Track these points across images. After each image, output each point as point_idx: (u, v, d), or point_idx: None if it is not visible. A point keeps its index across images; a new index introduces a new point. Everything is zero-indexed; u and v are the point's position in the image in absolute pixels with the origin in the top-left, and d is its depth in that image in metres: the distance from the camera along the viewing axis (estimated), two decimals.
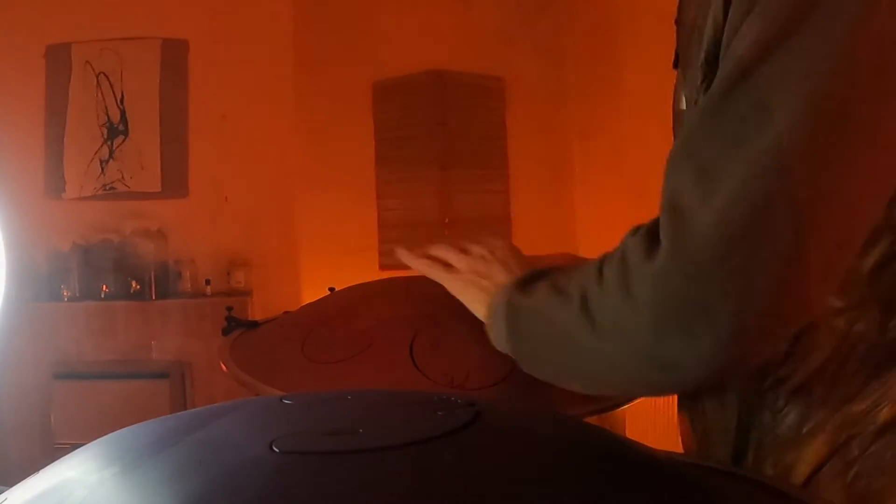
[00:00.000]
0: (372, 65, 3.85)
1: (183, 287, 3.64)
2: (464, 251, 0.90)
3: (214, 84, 3.70)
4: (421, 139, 3.91)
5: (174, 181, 3.72)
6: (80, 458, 0.49)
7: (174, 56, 3.72)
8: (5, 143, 3.44)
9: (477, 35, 3.89)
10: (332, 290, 1.12)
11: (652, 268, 0.61)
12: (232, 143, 3.69)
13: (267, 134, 3.73)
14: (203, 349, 3.39)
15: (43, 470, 0.49)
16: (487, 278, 0.84)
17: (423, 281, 0.93)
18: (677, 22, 0.78)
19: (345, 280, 1.13)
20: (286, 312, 1.11)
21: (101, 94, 3.70)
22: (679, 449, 0.83)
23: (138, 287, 3.59)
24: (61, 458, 0.50)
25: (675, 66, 0.80)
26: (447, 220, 3.86)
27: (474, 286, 0.85)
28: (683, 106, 0.73)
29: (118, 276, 3.57)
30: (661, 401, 0.89)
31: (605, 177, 3.88)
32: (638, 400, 0.83)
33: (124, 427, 0.53)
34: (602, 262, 0.68)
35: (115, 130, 3.71)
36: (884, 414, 0.66)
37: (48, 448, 3.31)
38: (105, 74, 3.70)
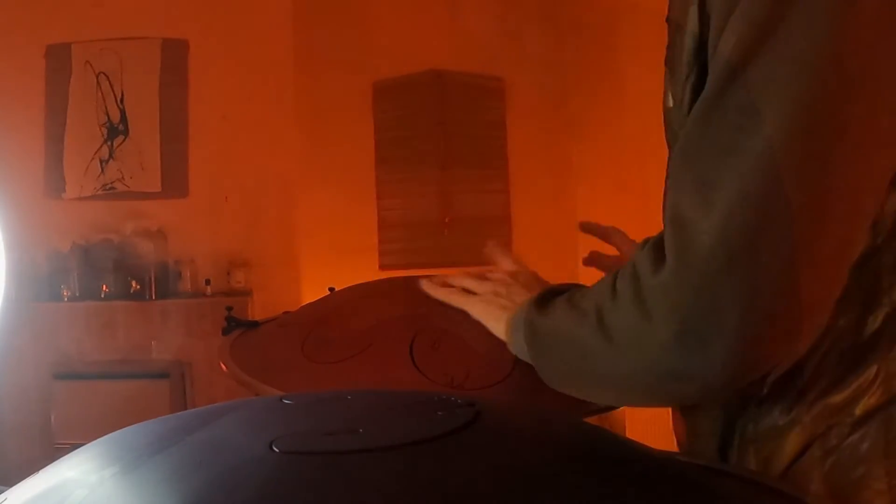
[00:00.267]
0: (372, 65, 3.85)
1: (183, 287, 3.64)
2: (485, 279, 0.92)
3: (214, 84, 3.70)
4: (421, 139, 3.91)
5: (174, 181, 3.72)
6: (80, 458, 0.49)
7: (174, 56, 3.72)
8: (5, 143, 3.44)
9: (477, 35, 3.89)
10: (332, 290, 1.12)
11: (660, 281, 0.62)
12: (232, 143, 3.69)
13: (267, 134, 3.73)
14: (203, 349, 3.39)
15: (43, 470, 0.49)
16: (507, 298, 0.86)
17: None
18: (668, 19, 0.78)
19: (345, 280, 1.13)
20: (286, 312, 1.11)
21: (101, 94, 3.70)
22: (678, 449, 0.83)
23: (138, 287, 3.59)
24: (61, 458, 0.50)
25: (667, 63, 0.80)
26: (447, 220, 3.86)
27: (494, 305, 0.87)
28: (671, 104, 0.73)
29: (118, 276, 3.57)
30: None
31: (605, 177, 3.87)
32: None
33: (124, 427, 0.53)
34: (616, 276, 0.69)
35: (115, 130, 3.71)
36: (861, 406, 0.67)
37: (48, 448, 3.31)
38: (105, 74, 3.70)
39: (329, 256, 3.66)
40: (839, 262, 0.63)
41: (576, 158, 4.12)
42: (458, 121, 3.94)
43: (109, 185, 3.70)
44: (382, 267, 3.83)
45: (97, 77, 3.70)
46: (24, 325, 3.25)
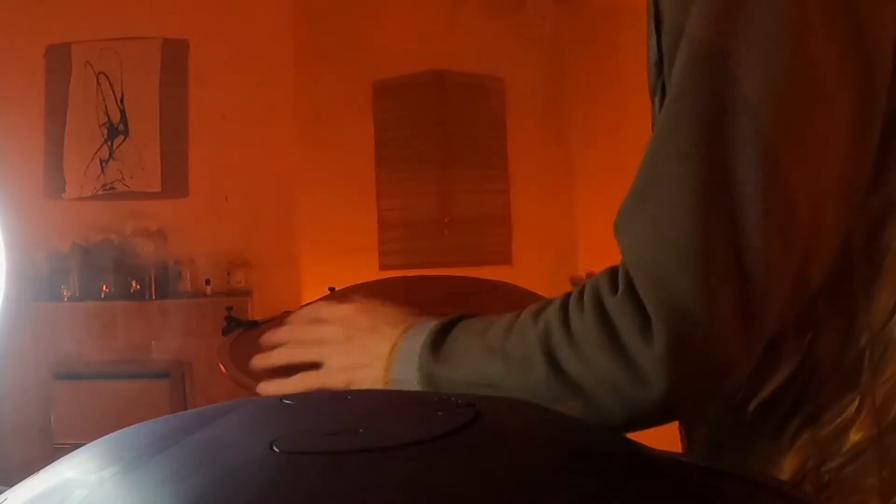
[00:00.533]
0: (372, 65, 3.85)
1: (183, 287, 3.64)
2: (321, 322, 0.82)
3: (214, 84, 3.70)
4: (421, 139, 3.91)
5: (174, 181, 3.72)
6: (80, 458, 0.49)
7: (174, 56, 3.72)
8: (5, 143, 3.44)
9: (477, 35, 3.89)
10: (332, 289, 1.12)
11: (657, 354, 0.60)
12: (232, 143, 3.68)
13: (267, 134, 3.73)
14: (203, 349, 3.39)
15: (43, 470, 0.49)
16: (364, 355, 0.77)
17: (423, 281, 0.93)
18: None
19: (345, 280, 1.13)
20: (286, 312, 1.11)
21: (101, 94, 3.70)
22: (678, 449, 0.83)
23: (138, 287, 3.59)
24: (61, 458, 0.50)
25: None
26: (447, 220, 3.86)
27: (357, 370, 0.77)
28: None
29: (118, 276, 3.57)
30: None
31: (605, 177, 3.87)
32: None
33: (124, 427, 0.53)
34: (564, 316, 0.65)
35: (115, 130, 3.71)
36: (850, 439, 0.66)
37: (48, 448, 3.31)
38: (105, 74, 3.70)
39: (329, 256, 3.66)
40: (803, 271, 0.62)
41: (576, 158, 4.12)
42: (458, 121, 3.94)
43: (109, 185, 3.70)
44: (382, 267, 3.83)
45: (97, 77, 3.70)
46: (24, 325, 3.25)
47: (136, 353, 3.52)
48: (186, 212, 3.72)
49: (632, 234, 0.63)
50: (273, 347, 0.85)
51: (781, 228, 0.60)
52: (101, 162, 3.70)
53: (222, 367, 0.92)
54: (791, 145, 0.60)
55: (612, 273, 0.64)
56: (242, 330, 1.03)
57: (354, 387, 0.77)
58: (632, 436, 0.58)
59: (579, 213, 4.04)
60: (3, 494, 0.48)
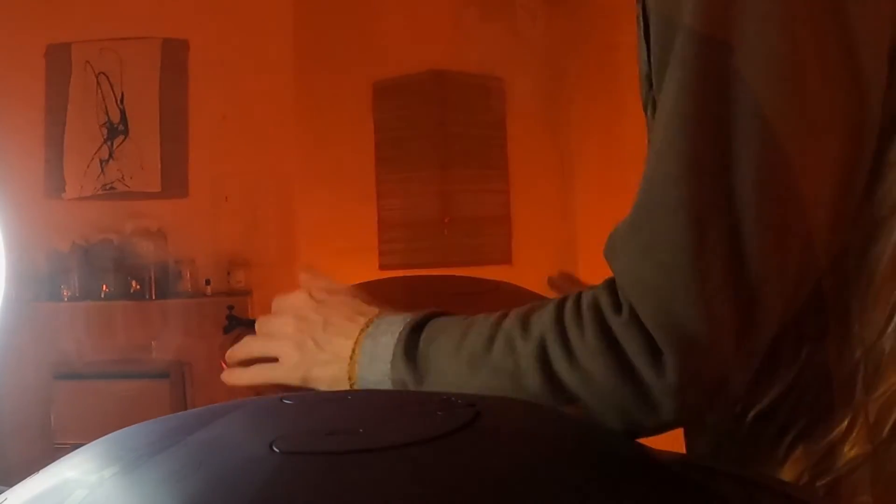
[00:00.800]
0: (372, 65, 3.85)
1: (183, 287, 3.64)
2: (263, 334, 0.80)
3: (214, 84, 3.70)
4: (421, 139, 3.91)
5: (174, 181, 3.72)
6: (80, 458, 0.49)
7: (174, 56, 3.72)
8: (5, 143, 3.44)
9: (477, 35, 3.89)
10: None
11: (670, 384, 0.60)
12: (232, 143, 3.68)
13: (267, 134, 3.73)
14: (203, 349, 3.39)
15: (43, 470, 0.49)
16: (319, 351, 0.75)
17: (423, 281, 0.93)
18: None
19: (345, 280, 1.13)
20: None
21: (101, 94, 3.70)
22: (678, 449, 0.83)
23: (138, 287, 3.59)
24: (61, 458, 0.50)
25: None
26: (447, 220, 3.86)
27: (314, 367, 0.75)
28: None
29: (118, 276, 3.57)
30: None
31: (605, 177, 3.87)
32: None
33: (124, 427, 0.53)
34: (560, 329, 0.64)
35: (115, 130, 3.71)
36: (844, 455, 0.66)
37: (48, 448, 3.31)
38: (105, 74, 3.70)
39: (329, 256, 3.66)
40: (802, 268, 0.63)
41: (576, 158, 4.12)
42: (458, 121, 3.94)
43: (109, 185, 3.70)
44: (382, 267, 3.83)
45: (97, 77, 3.70)
46: (24, 325, 3.25)
47: (136, 353, 3.52)
48: (186, 212, 3.72)
49: (628, 260, 0.62)
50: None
51: (778, 251, 0.60)
52: (101, 162, 3.70)
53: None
54: (788, 168, 0.60)
55: (612, 290, 0.63)
56: (243, 329, 1.03)
57: (312, 383, 0.76)
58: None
59: (579, 213, 4.04)
60: (3, 494, 0.48)
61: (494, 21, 3.90)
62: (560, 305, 0.65)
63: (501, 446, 0.47)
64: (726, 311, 0.59)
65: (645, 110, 0.70)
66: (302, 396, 0.62)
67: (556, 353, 0.63)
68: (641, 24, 0.66)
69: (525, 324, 0.66)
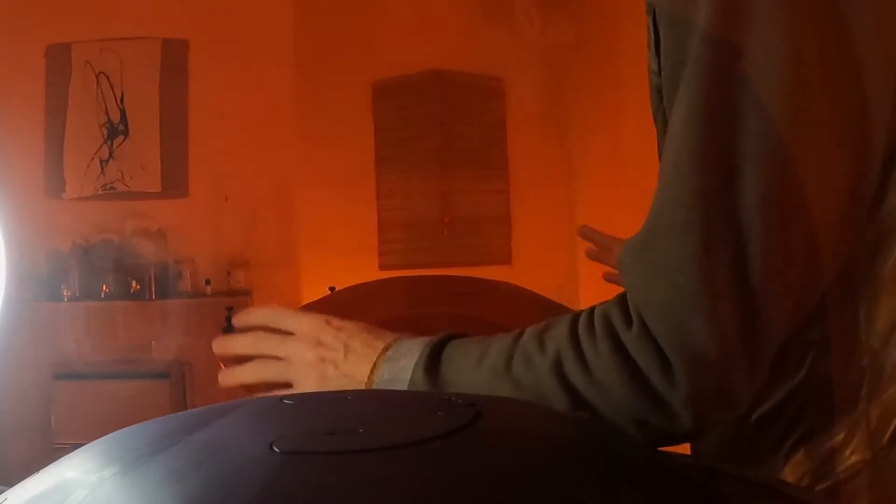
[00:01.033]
0: (372, 65, 3.85)
1: (183, 287, 3.64)
2: (276, 356, 0.79)
3: (214, 84, 3.70)
4: (421, 139, 3.91)
5: (174, 181, 3.72)
6: (80, 458, 0.49)
7: (174, 56, 3.72)
8: (5, 143, 3.44)
9: (477, 35, 3.89)
10: (332, 289, 1.13)
11: (684, 396, 0.61)
12: (232, 143, 3.69)
13: (267, 134, 3.73)
14: (203, 349, 3.37)
15: (43, 470, 0.49)
16: (340, 377, 0.75)
17: (423, 281, 0.93)
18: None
19: (345, 280, 1.13)
20: None
21: (101, 94, 3.70)
22: (678, 449, 0.83)
23: (138, 287, 3.59)
24: (61, 458, 0.50)
25: None
26: (447, 220, 3.87)
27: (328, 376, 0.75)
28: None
29: (118, 276, 3.57)
30: None
31: (605, 177, 3.87)
32: None
33: (124, 427, 0.53)
34: (575, 343, 0.65)
35: (115, 130, 3.71)
36: (845, 460, 0.67)
37: (48, 448, 3.31)
38: (105, 74, 3.70)
39: (329, 256, 3.66)
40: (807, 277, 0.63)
41: (576, 158, 4.12)
42: (458, 121, 3.94)
43: (109, 185, 3.70)
44: (382, 267, 3.83)
45: (97, 77, 3.70)
46: (24, 325, 3.25)
47: (136, 353, 3.52)
48: (186, 212, 3.72)
49: (639, 276, 0.64)
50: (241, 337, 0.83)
51: (783, 270, 0.61)
52: (101, 162, 3.70)
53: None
54: (794, 190, 0.61)
55: (623, 304, 0.64)
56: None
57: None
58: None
59: (579, 213, 4.04)
60: (3, 494, 0.48)
61: (495, 21, 3.90)
62: (574, 321, 0.67)
63: (501, 446, 0.47)
64: (734, 328, 0.60)
65: (655, 120, 0.71)
66: (302, 396, 0.62)
67: (571, 367, 0.65)
68: (652, 37, 0.67)
69: (541, 340, 0.67)
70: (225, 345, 0.83)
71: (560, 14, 4.04)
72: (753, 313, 0.61)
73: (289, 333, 0.79)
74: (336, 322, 0.78)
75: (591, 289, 1.34)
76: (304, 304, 1.13)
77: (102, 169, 3.70)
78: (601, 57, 3.91)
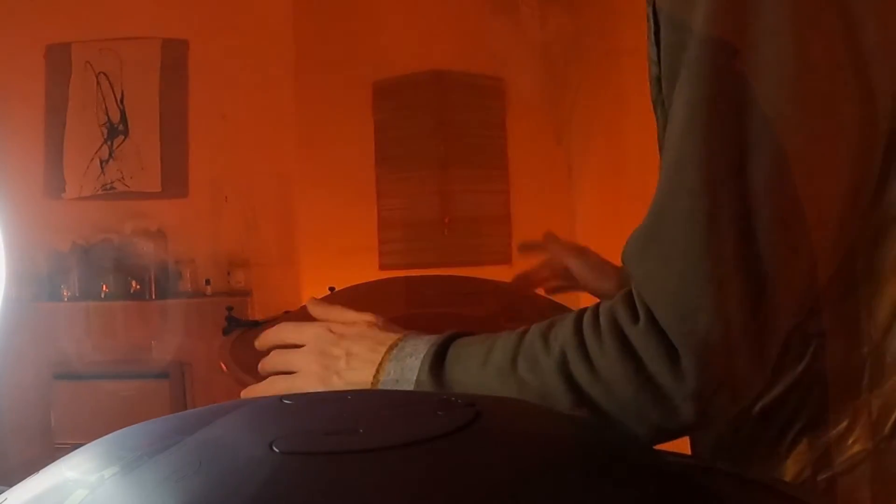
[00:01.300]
0: (372, 65, 3.84)
1: (183, 287, 3.64)
2: (283, 369, 0.80)
3: (214, 84, 3.70)
4: (421, 139, 3.91)
5: (174, 181, 3.72)
6: (80, 458, 0.49)
7: (174, 56, 3.72)
8: (5, 143, 3.44)
9: (477, 35, 3.89)
10: (332, 289, 1.13)
11: (690, 389, 0.61)
12: (232, 143, 3.68)
13: (267, 134, 3.72)
14: (203, 349, 3.39)
15: (43, 470, 0.49)
16: (344, 385, 0.75)
17: (423, 281, 0.93)
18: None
19: (345, 280, 1.13)
20: (286, 312, 1.11)
21: (101, 94, 3.70)
22: (678, 449, 0.83)
23: (138, 287, 3.59)
24: (61, 458, 0.50)
25: None
26: (447, 220, 3.86)
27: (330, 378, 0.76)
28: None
29: (118, 276, 3.57)
30: None
31: (605, 177, 3.87)
32: None
33: (124, 427, 0.53)
34: (579, 341, 0.65)
35: (115, 130, 3.71)
36: (846, 451, 0.67)
37: (48, 448, 3.31)
38: (105, 74, 3.70)
39: (329, 256, 3.66)
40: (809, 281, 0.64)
41: (576, 158, 4.12)
42: (458, 121, 3.94)
43: (109, 185, 3.70)
44: (382, 267, 3.83)
45: (97, 77, 3.69)
46: (24, 325, 3.25)
47: (136, 353, 3.52)
48: (186, 212, 3.72)
49: (645, 267, 0.63)
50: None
51: (790, 258, 0.62)
52: (101, 162, 3.70)
53: (223, 367, 0.92)
54: (801, 177, 0.61)
55: (629, 300, 0.64)
56: (243, 330, 1.03)
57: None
58: None
59: (579, 213, 4.04)
60: (3, 494, 0.48)
61: (495, 21, 3.90)
62: (578, 319, 0.67)
63: (501, 446, 0.47)
64: (742, 316, 0.60)
65: (655, 110, 0.71)
66: (302, 396, 0.62)
67: (576, 365, 0.64)
68: (652, 27, 0.67)
69: (546, 338, 0.67)
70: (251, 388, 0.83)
71: (559, 9, 4.04)
72: (761, 300, 0.60)
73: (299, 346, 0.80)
74: (338, 329, 0.79)
75: None
76: (303, 304, 1.13)
77: (102, 169, 3.69)
78: (602, 56, 3.91)
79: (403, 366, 0.72)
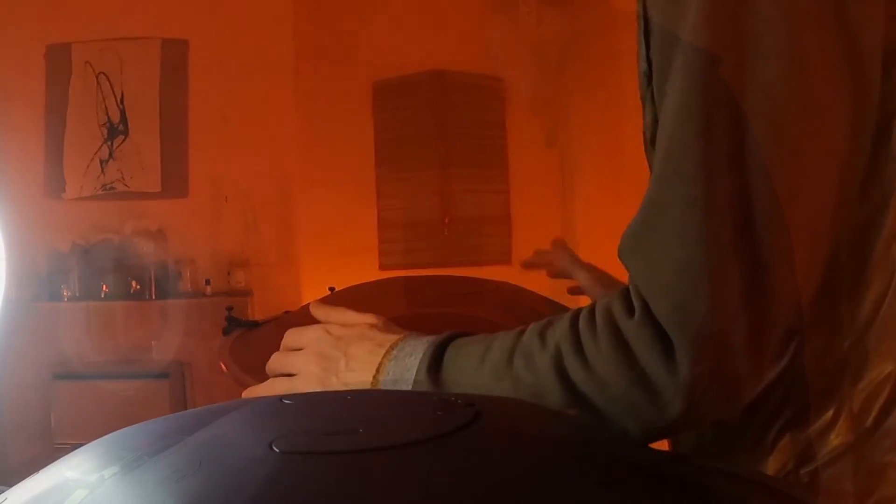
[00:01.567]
0: (372, 65, 3.85)
1: (183, 287, 3.64)
2: (284, 372, 0.80)
3: (214, 84, 3.70)
4: (421, 139, 3.91)
5: (174, 181, 3.72)
6: (80, 458, 0.49)
7: (174, 56, 3.72)
8: (5, 143, 3.44)
9: (477, 35, 3.89)
10: (332, 289, 1.13)
11: (682, 382, 0.60)
12: (232, 143, 3.69)
13: (267, 134, 3.73)
14: (203, 349, 3.39)
15: (43, 470, 0.49)
16: (344, 386, 0.75)
17: (423, 281, 0.93)
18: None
19: (345, 280, 1.13)
20: (286, 312, 1.11)
21: (101, 94, 3.70)
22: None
23: (138, 287, 3.59)
24: (61, 458, 0.50)
25: None
26: (447, 220, 3.86)
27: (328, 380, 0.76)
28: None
29: (118, 276, 3.57)
30: None
31: (605, 176, 3.87)
32: None
33: (124, 427, 0.53)
34: (575, 337, 0.64)
35: (115, 130, 3.71)
36: (829, 444, 0.67)
37: (48, 448, 3.31)
38: (105, 74, 3.70)
39: (329, 256, 3.66)
40: (806, 274, 0.63)
41: (576, 158, 4.12)
42: (458, 121, 3.94)
43: (109, 185, 3.70)
44: (382, 267, 3.83)
45: (97, 77, 3.70)
46: (24, 325, 3.25)
47: (136, 353, 3.52)
48: (186, 212, 3.72)
49: (641, 259, 0.63)
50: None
51: (787, 243, 0.61)
52: (101, 162, 3.70)
53: (223, 367, 0.92)
54: (795, 162, 0.61)
55: (626, 296, 0.63)
56: (243, 330, 1.03)
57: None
58: None
59: (579, 213, 4.04)
60: (3, 494, 0.48)
61: (495, 21, 3.90)
62: (575, 315, 0.66)
63: (501, 446, 0.47)
64: (740, 305, 0.60)
65: (644, 105, 0.71)
66: (302, 396, 0.62)
67: (571, 362, 0.64)
68: (641, 23, 0.67)
69: (542, 336, 0.67)
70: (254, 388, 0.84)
71: (558, 9, 4.04)
72: (759, 290, 0.60)
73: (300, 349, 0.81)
74: (337, 331, 0.79)
75: None
76: (303, 304, 1.13)
77: (102, 169, 3.70)
78: (601, 57, 3.91)
79: (402, 366, 0.72)
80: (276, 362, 0.82)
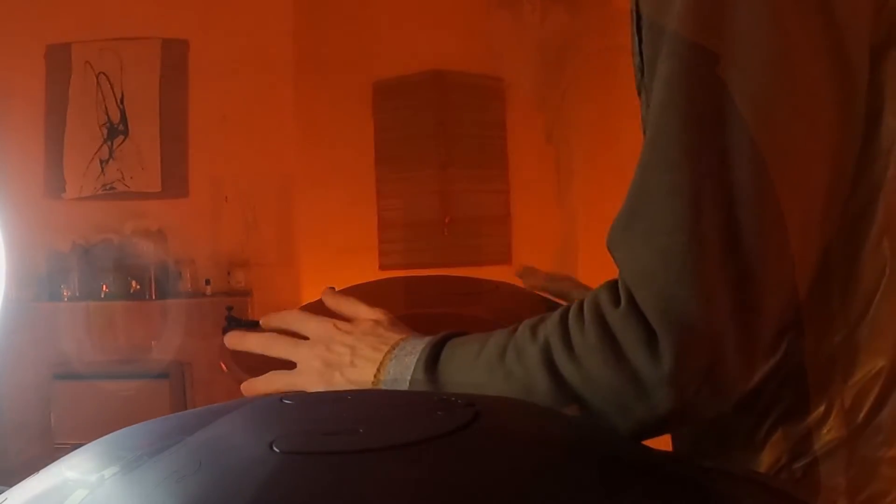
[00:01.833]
0: (372, 65, 3.84)
1: (183, 287, 3.64)
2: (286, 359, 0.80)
3: (214, 84, 3.70)
4: (421, 139, 3.91)
5: (174, 181, 3.72)
6: (80, 458, 0.49)
7: (174, 56, 3.72)
8: (5, 143, 3.44)
9: (477, 35, 3.89)
10: (332, 289, 1.12)
11: (665, 372, 0.60)
12: (232, 143, 3.69)
13: (267, 134, 3.73)
14: (203, 349, 3.39)
15: (43, 470, 0.49)
16: (346, 384, 0.75)
17: (423, 281, 0.93)
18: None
19: (345, 280, 1.13)
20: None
21: (101, 94, 3.70)
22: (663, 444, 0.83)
23: (138, 287, 3.59)
24: (61, 458, 0.50)
25: None
26: (447, 220, 3.86)
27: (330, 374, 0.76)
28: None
29: (118, 276, 3.57)
30: None
31: (605, 177, 3.87)
32: None
33: (124, 427, 0.53)
34: (563, 331, 0.64)
35: (115, 130, 3.71)
36: (820, 439, 0.67)
37: (48, 448, 3.31)
38: (105, 74, 3.70)
39: (329, 256, 3.66)
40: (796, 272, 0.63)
41: (576, 158, 4.12)
42: (458, 121, 3.94)
43: (109, 185, 3.70)
44: (382, 267, 3.82)
45: (97, 77, 3.70)
46: (24, 325, 3.25)
47: (136, 353, 3.52)
48: (186, 212, 3.72)
49: (627, 249, 0.63)
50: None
51: (775, 231, 0.61)
52: (101, 162, 3.70)
53: (223, 367, 0.92)
54: (781, 149, 0.61)
55: (612, 287, 0.63)
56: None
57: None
58: None
59: (579, 213, 4.04)
60: (3, 494, 0.48)
61: (495, 21, 3.90)
62: (565, 309, 0.66)
63: (501, 446, 0.47)
64: (726, 295, 0.59)
65: (639, 95, 0.71)
66: (302, 396, 0.63)
67: (559, 354, 0.64)
68: (634, 17, 0.67)
69: (534, 329, 0.67)
70: (238, 341, 0.84)
71: (562, 6, 4.04)
72: (746, 278, 0.60)
73: (304, 337, 0.81)
74: (343, 325, 0.79)
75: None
76: (303, 304, 1.13)
77: (102, 169, 3.70)
78: (601, 57, 3.91)
79: (402, 365, 0.73)
80: (279, 345, 0.81)
